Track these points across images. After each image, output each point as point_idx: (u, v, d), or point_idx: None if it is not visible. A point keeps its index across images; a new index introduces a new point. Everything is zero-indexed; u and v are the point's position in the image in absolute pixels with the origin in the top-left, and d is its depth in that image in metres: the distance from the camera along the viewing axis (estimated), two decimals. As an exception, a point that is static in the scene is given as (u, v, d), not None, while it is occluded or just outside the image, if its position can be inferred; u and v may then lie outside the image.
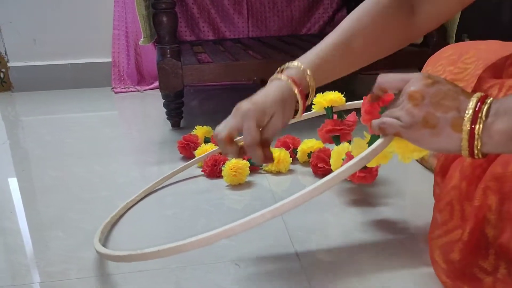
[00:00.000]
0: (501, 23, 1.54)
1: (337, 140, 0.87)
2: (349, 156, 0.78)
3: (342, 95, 0.88)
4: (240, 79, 1.20)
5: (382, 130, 0.50)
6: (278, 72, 0.61)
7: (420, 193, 0.84)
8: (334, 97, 0.88)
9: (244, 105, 0.56)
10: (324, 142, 0.90)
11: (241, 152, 0.59)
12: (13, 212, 0.82)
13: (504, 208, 0.49)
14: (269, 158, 0.58)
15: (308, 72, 0.59)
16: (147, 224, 0.77)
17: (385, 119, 0.49)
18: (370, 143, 0.69)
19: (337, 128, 0.86)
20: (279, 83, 0.59)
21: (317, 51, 0.62)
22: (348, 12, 1.83)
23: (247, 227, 0.48)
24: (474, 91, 0.56)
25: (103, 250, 0.62)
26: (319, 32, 1.90)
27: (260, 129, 0.56)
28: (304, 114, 0.92)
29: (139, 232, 0.74)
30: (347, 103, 0.88)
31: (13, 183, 0.96)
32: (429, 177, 0.62)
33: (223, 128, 0.58)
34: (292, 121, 0.63)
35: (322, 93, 0.89)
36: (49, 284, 0.61)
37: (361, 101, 0.71)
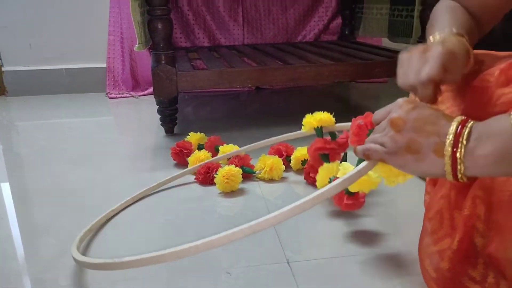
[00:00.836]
0: (492, 33, 1.55)
1: (326, 158, 0.87)
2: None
3: (332, 115, 0.89)
4: (235, 86, 1.20)
5: (367, 156, 0.51)
6: (431, 37, 0.57)
7: (411, 202, 0.84)
8: (323, 118, 0.88)
9: (433, 47, 0.51)
10: (313, 160, 0.90)
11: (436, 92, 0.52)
12: (4, 218, 0.82)
13: (492, 217, 0.49)
14: (436, 99, 0.51)
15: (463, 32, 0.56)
16: (139, 230, 0.77)
17: (370, 145, 0.51)
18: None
19: (327, 146, 0.86)
20: (455, 38, 0.54)
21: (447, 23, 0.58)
22: (344, 21, 1.86)
23: (225, 241, 0.48)
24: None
25: (81, 257, 0.61)
26: (314, 40, 1.91)
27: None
28: (291, 133, 0.93)
29: (130, 239, 0.74)
30: (337, 124, 0.89)
31: (6, 188, 0.96)
32: (420, 186, 0.63)
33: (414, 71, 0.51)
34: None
35: (312, 113, 0.90)
36: (39, 291, 0.61)
37: (349, 123, 0.71)
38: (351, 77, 1.31)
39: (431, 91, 0.50)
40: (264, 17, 1.87)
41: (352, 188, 0.71)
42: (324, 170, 0.82)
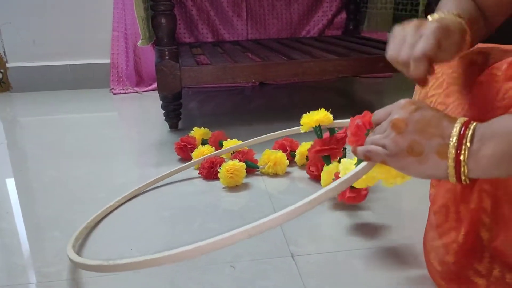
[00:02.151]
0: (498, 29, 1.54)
1: (327, 160, 0.87)
2: (337, 177, 0.78)
3: (329, 113, 0.89)
4: (239, 81, 1.20)
5: (367, 158, 0.51)
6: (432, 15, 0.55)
7: (415, 196, 0.84)
8: (321, 117, 0.87)
9: (429, 22, 0.50)
10: (314, 163, 0.90)
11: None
12: (9, 213, 0.82)
13: (499, 211, 0.49)
14: (427, 78, 0.50)
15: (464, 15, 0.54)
16: (143, 224, 0.77)
17: (371, 147, 0.50)
18: (357, 165, 0.69)
19: (326, 148, 0.86)
20: (450, 18, 0.53)
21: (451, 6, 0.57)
22: (348, 15, 1.85)
23: (228, 242, 0.48)
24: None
25: (77, 258, 0.60)
26: (318, 35, 1.90)
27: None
28: (295, 128, 0.93)
29: (134, 232, 0.74)
30: (336, 121, 0.88)
31: (11, 184, 0.96)
32: (426, 180, 0.62)
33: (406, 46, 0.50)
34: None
35: (314, 109, 0.89)
36: (44, 284, 0.61)
37: (347, 120, 0.70)
38: (355, 72, 1.31)
39: (424, 68, 0.49)
40: (268, 12, 1.86)
41: (357, 185, 0.70)
42: (326, 173, 0.82)
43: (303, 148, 0.98)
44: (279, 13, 1.87)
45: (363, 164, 0.52)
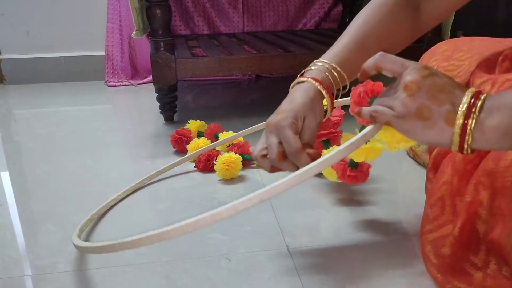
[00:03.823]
0: (496, 20, 1.54)
1: (326, 144, 0.87)
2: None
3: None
4: (235, 73, 1.19)
5: (373, 118, 0.49)
6: (299, 76, 0.60)
7: (412, 189, 0.84)
8: None
9: (273, 119, 0.56)
10: (315, 147, 0.89)
11: (273, 167, 0.59)
12: (3, 205, 0.82)
13: (495, 203, 0.49)
14: (316, 158, 0.55)
15: (334, 65, 0.59)
16: (138, 217, 0.77)
17: (377, 107, 0.48)
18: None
19: (324, 133, 0.86)
20: (302, 86, 0.58)
21: (335, 51, 0.61)
22: (344, 8, 1.84)
23: (233, 211, 0.46)
24: (468, 87, 0.56)
25: (82, 243, 0.60)
26: (315, 27, 1.89)
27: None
28: None
29: (130, 226, 0.74)
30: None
31: (4, 176, 0.96)
32: (422, 173, 0.62)
33: (267, 147, 0.57)
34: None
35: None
36: (39, 277, 0.60)
37: (347, 98, 0.70)
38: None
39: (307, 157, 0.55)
40: (264, 5, 1.85)
41: (357, 158, 0.69)
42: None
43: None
44: (275, 6, 1.86)
45: (370, 126, 0.50)
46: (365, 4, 0.65)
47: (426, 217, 0.59)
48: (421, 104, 0.44)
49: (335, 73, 0.59)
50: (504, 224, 0.47)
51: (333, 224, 0.73)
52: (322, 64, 0.59)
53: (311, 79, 0.58)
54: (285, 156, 0.56)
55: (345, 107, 0.73)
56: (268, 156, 0.57)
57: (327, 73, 0.59)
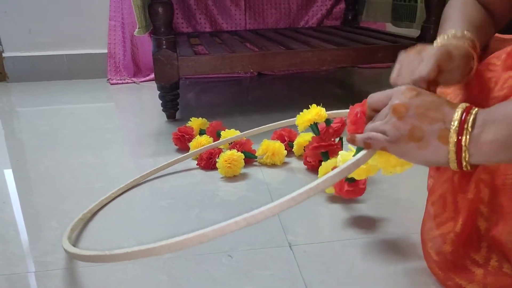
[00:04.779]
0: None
1: (326, 156, 0.87)
2: None
3: (324, 109, 0.88)
4: (237, 71, 1.20)
5: (367, 145, 0.50)
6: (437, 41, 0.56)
7: (413, 186, 0.84)
8: (313, 116, 0.87)
9: (430, 47, 0.51)
10: (313, 159, 0.90)
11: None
12: (6, 202, 0.82)
13: (496, 201, 0.49)
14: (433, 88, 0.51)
15: (469, 34, 0.55)
16: (140, 214, 0.77)
17: (371, 134, 0.49)
18: (355, 155, 0.69)
19: (323, 144, 0.86)
20: (453, 42, 0.53)
21: (458, 25, 0.57)
22: (347, 5, 1.83)
23: (219, 233, 0.46)
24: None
25: (72, 249, 0.59)
26: (317, 25, 1.89)
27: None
28: (293, 119, 0.93)
29: (132, 223, 0.74)
30: (333, 111, 0.88)
31: (8, 174, 0.96)
32: (423, 171, 0.62)
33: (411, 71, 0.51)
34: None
35: (306, 104, 0.89)
36: (42, 273, 0.61)
37: (346, 110, 0.69)
38: (354, 62, 1.30)
39: None
40: (266, 2, 1.84)
41: (359, 176, 0.70)
42: (323, 170, 0.81)
43: (301, 138, 0.98)
44: (277, 3, 1.85)
45: (363, 152, 0.51)
46: (368, 2, 0.65)
47: (427, 214, 0.59)
48: (412, 125, 0.44)
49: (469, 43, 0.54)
50: (505, 222, 0.47)
51: (335, 221, 0.73)
52: (455, 32, 0.55)
53: (464, 39, 0.53)
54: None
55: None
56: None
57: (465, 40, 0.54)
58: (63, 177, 0.92)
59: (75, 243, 0.68)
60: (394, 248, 0.65)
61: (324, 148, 0.86)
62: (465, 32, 0.55)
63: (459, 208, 0.53)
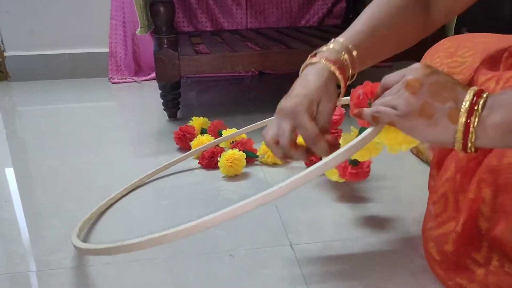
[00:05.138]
0: (501, 17, 1.53)
1: None
2: None
3: None
4: (238, 70, 1.20)
5: (375, 119, 0.49)
6: (310, 57, 0.58)
7: (415, 186, 0.84)
8: None
9: (287, 103, 0.53)
10: (314, 157, 0.89)
11: (308, 152, 0.55)
12: (8, 201, 0.82)
13: (498, 200, 0.49)
14: (334, 145, 0.53)
15: (350, 46, 0.56)
16: (142, 214, 0.77)
17: (380, 107, 0.48)
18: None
19: None
20: (314, 67, 0.55)
21: (349, 35, 0.58)
22: (348, 4, 1.83)
23: (230, 216, 0.46)
24: (471, 84, 0.56)
25: (82, 245, 0.60)
26: (318, 24, 1.89)
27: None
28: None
29: (135, 223, 0.74)
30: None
31: (10, 173, 0.96)
32: (425, 170, 0.62)
33: (278, 134, 0.54)
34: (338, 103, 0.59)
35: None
36: (44, 272, 0.61)
37: (347, 97, 0.69)
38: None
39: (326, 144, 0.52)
40: (268, 1, 1.84)
41: (361, 158, 0.69)
42: (345, 142, 0.81)
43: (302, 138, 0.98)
44: (278, 2, 1.85)
45: (369, 129, 0.50)
46: (369, 1, 0.65)
47: (429, 213, 0.59)
48: (424, 101, 0.44)
49: (347, 56, 0.56)
50: (506, 221, 0.47)
51: (336, 220, 0.73)
52: (335, 44, 0.57)
53: (324, 60, 0.55)
54: (297, 145, 0.54)
55: (345, 106, 0.73)
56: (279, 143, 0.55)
57: (343, 53, 0.55)
58: (65, 176, 0.93)
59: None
60: (395, 247, 0.65)
61: None
62: (350, 46, 0.56)
63: (460, 208, 0.53)
